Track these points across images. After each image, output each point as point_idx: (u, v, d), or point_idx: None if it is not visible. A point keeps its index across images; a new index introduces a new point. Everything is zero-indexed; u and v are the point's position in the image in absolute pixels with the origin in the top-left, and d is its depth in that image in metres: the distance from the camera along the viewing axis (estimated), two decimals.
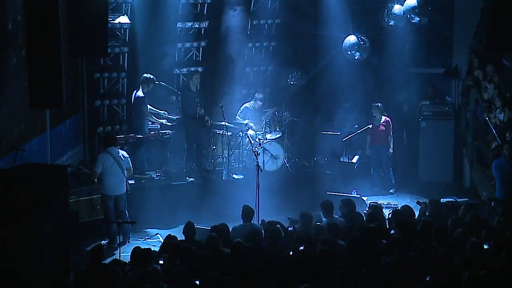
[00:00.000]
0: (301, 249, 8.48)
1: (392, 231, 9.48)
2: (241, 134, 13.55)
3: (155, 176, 13.14)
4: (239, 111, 14.13)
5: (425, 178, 14.67)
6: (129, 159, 11.74)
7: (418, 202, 11.36)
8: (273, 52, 15.35)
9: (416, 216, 10.62)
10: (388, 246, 8.69)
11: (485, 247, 8.46)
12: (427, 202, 10.94)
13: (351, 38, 14.42)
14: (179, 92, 14.01)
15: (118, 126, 13.59)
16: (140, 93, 13.13)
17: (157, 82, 13.35)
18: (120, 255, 9.79)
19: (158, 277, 7.79)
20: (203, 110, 13.28)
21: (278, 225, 9.65)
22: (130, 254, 8.65)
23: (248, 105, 14.21)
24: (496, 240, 8.63)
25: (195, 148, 13.54)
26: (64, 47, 9.16)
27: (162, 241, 9.85)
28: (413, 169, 15.08)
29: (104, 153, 11.50)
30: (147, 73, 13.20)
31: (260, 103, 14.17)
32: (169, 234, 9.62)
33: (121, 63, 13.62)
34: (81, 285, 7.87)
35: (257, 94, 14.30)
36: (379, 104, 14.20)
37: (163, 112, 13.58)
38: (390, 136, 14.17)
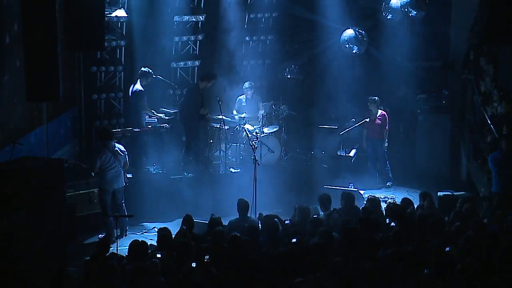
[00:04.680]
0: (293, 241, 8.50)
1: (392, 224, 9.50)
2: (238, 128, 13.55)
3: (152, 170, 13.13)
4: (235, 104, 14.15)
5: (422, 171, 14.68)
6: (126, 153, 11.74)
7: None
8: (270, 45, 15.34)
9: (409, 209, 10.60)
10: (385, 239, 8.72)
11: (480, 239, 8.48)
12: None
13: (349, 32, 14.40)
14: (176, 86, 14.00)
15: (115, 120, 13.57)
16: (138, 86, 13.10)
17: (154, 76, 13.33)
18: (117, 249, 9.80)
19: (156, 270, 7.80)
20: (207, 110, 13.21)
21: (275, 219, 9.67)
22: (127, 247, 8.67)
23: (241, 98, 14.23)
24: (491, 233, 8.66)
25: (193, 141, 13.52)
26: (61, 40, 9.15)
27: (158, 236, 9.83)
28: (410, 162, 15.11)
29: (101, 147, 11.51)
30: (145, 67, 13.19)
31: (250, 92, 14.15)
32: (164, 227, 9.63)
33: (118, 56, 13.59)
34: (87, 275, 7.90)
35: (244, 84, 14.29)
36: (376, 97, 14.20)
37: (161, 112, 13.53)
38: (386, 130, 14.18)
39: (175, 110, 13.58)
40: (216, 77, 13.35)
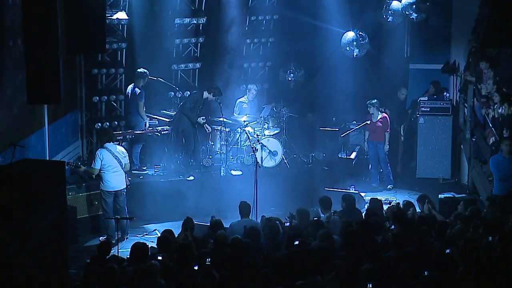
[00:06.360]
0: (295, 244, 8.50)
1: (392, 226, 9.50)
2: (239, 130, 13.55)
3: (153, 172, 13.13)
4: (235, 106, 14.14)
5: (423, 174, 14.67)
6: (127, 155, 11.75)
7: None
8: (271, 48, 15.36)
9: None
10: (386, 241, 8.71)
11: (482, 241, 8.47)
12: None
13: (350, 34, 14.39)
14: (177, 88, 14.00)
15: (116, 122, 13.57)
16: (136, 88, 13.10)
17: (154, 78, 13.34)
18: (118, 251, 9.80)
19: (156, 272, 7.79)
20: (204, 119, 13.22)
21: (277, 221, 9.66)
22: (129, 249, 8.66)
23: (242, 100, 14.23)
24: (493, 235, 8.65)
25: (193, 144, 13.51)
26: (62, 43, 9.16)
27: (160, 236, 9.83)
28: (411, 164, 15.10)
29: (102, 149, 11.51)
30: (140, 68, 13.18)
31: (254, 92, 14.17)
32: (167, 229, 9.63)
33: (119, 59, 13.61)
34: (88, 278, 7.89)
35: (250, 85, 14.32)
36: (375, 100, 14.19)
37: (161, 115, 13.52)
38: (387, 132, 14.17)
39: (175, 112, 13.57)
40: (222, 95, 13.31)
